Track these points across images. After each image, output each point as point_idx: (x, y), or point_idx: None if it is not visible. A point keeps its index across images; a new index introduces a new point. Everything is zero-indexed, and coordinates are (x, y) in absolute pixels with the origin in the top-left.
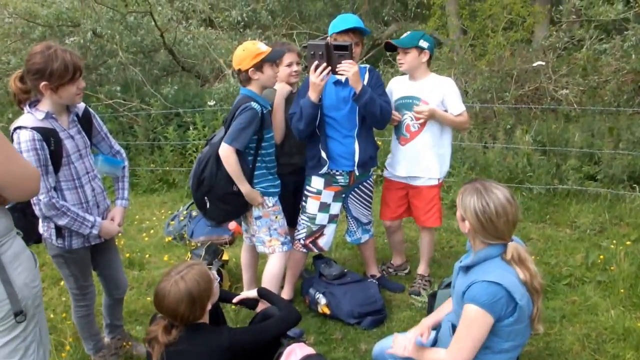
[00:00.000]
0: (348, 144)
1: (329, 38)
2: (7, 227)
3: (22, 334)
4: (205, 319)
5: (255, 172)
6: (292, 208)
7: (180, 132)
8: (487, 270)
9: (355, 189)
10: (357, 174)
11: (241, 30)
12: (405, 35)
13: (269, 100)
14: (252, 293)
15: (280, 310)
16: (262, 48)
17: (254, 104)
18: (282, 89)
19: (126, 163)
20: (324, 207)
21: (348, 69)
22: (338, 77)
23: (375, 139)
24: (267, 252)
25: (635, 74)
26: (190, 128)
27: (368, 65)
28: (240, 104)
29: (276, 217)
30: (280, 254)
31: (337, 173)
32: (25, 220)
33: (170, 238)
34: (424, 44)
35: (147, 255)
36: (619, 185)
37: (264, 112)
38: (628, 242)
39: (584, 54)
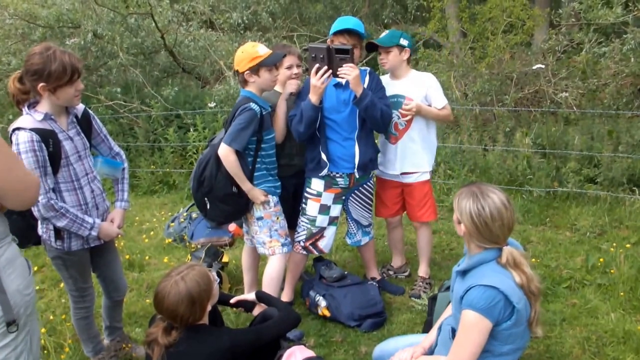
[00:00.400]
0: (348, 146)
1: (328, 40)
2: (2, 233)
3: (12, 342)
4: (205, 320)
5: (255, 173)
6: (291, 210)
7: (180, 133)
8: (483, 274)
9: (355, 191)
10: (357, 176)
11: (242, 32)
12: (384, 34)
13: (270, 101)
14: (250, 295)
15: (279, 311)
16: (260, 52)
17: (253, 105)
18: (290, 85)
19: (126, 165)
20: (324, 209)
21: (349, 72)
22: (338, 80)
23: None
24: (267, 253)
25: (634, 77)
26: (191, 130)
27: (368, 68)
28: (239, 105)
29: (277, 218)
30: (280, 255)
31: (337, 175)
32: (24, 221)
33: (170, 240)
34: (404, 42)
35: (147, 257)
36: (619, 188)
37: (264, 113)
38: (628, 245)
39: (583, 57)
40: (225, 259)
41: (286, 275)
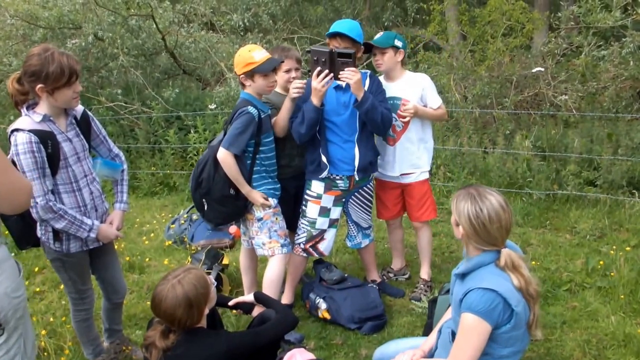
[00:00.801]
0: (348, 148)
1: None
2: None
3: (3, 345)
4: (203, 323)
5: (254, 176)
6: (292, 212)
7: (181, 135)
8: (482, 277)
9: (355, 194)
10: (357, 179)
11: (242, 34)
12: (379, 35)
13: (270, 102)
14: (249, 297)
15: (277, 313)
16: (255, 57)
17: (250, 108)
18: (294, 90)
19: (125, 166)
20: (324, 211)
21: (351, 76)
22: (339, 82)
23: None
24: (267, 254)
25: (633, 80)
26: (191, 131)
27: (369, 71)
28: (238, 108)
29: (276, 219)
30: (280, 256)
31: (337, 178)
32: (23, 223)
33: (170, 242)
34: (398, 43)
35: (147, 259)
36: (618, 191)
37: (262, 116)
38: (628, 248)
39: (583, 61)
40: (225, 261)
41: (286, 278)
